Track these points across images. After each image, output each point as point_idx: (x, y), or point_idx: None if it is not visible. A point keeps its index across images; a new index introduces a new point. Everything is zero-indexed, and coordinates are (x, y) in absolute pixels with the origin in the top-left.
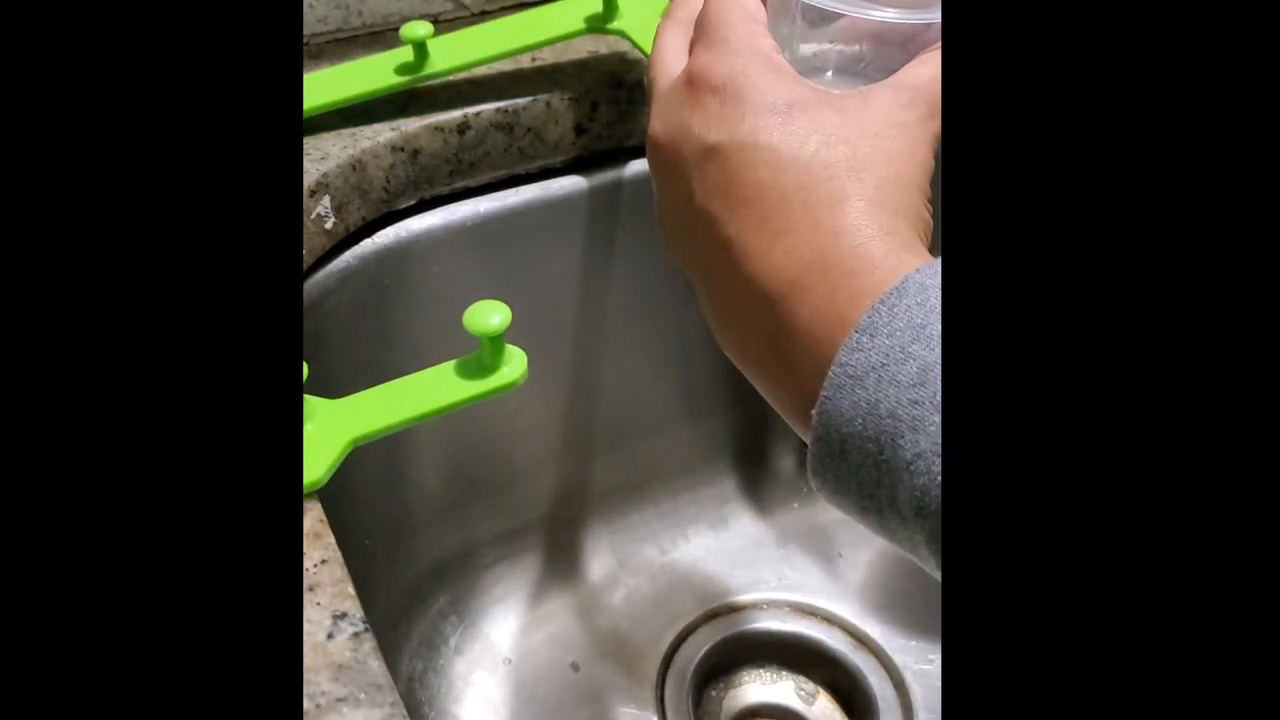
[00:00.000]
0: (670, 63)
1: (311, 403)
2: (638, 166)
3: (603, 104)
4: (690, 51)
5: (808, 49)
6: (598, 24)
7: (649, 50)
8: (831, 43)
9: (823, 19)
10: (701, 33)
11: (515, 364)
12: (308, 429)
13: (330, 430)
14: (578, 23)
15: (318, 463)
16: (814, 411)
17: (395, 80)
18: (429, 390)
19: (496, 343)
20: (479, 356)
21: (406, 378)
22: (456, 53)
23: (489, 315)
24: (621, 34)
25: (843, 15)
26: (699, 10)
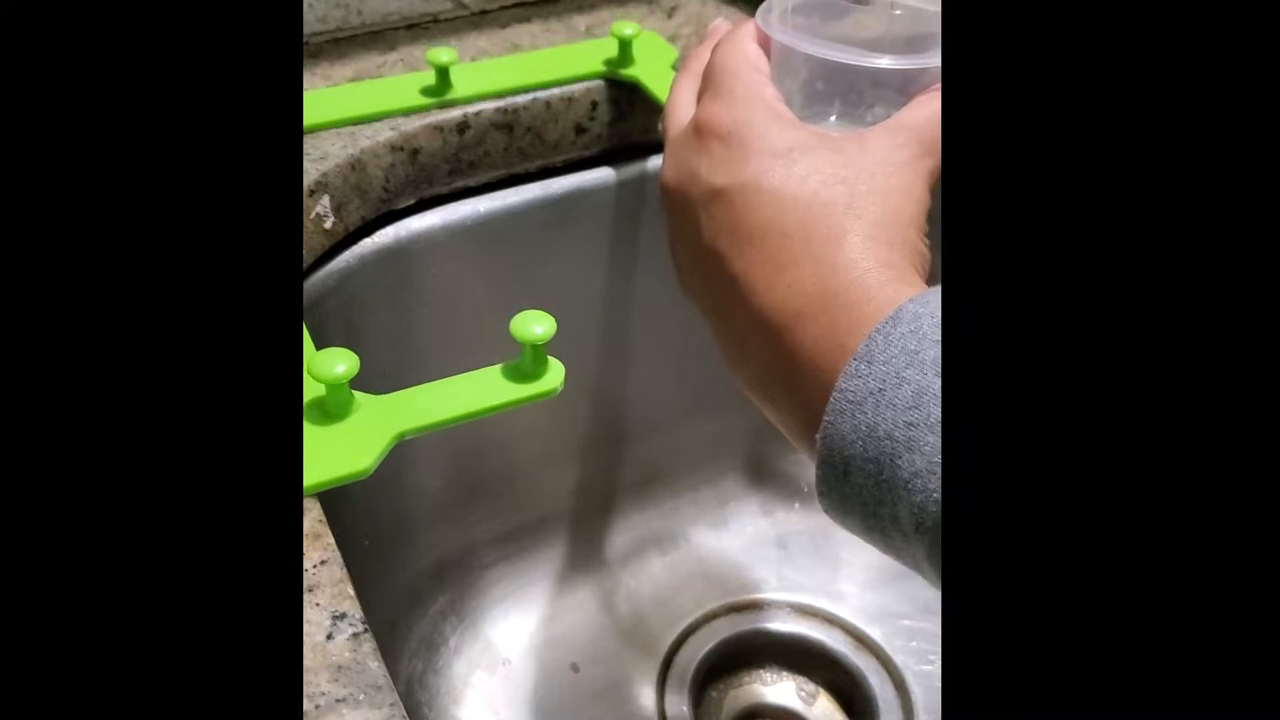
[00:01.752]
0: (681, 112)
1: (358, 397)
2: (637, 166)
3: (602, 104)
4: (698, 101)
5: (811, 96)
6: (614, 68)
7: (661, 98)
8: (833, 89)
9: (824, 67)
10: (708, 83)
11: (555, 372)
12: (353, 420)
13: (376, 424)
14: (596, 65)
15: (365, 453)
16: (818, 436)
17: (421, 101)
18: (473, 391)
19: (539, 351)
20: (520, 363)
21: (452, 378)
22: (479, 81)
23: (533, 324)
24: (635, 80)
25: (839, 62)
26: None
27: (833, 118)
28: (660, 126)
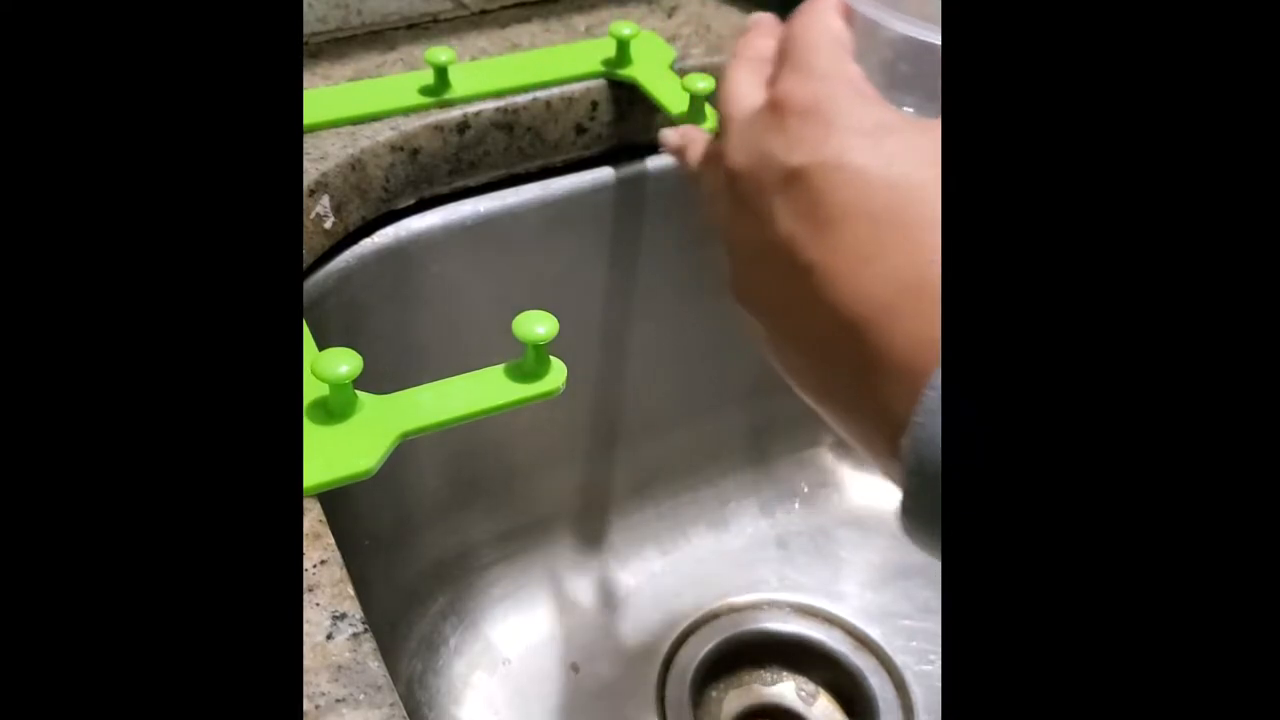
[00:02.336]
0: (744, 96)
1: (361, 397)
2: (637, 166)
3: (602, 104)
4: (773, 79)
5: (893, 78)
6: (612, 68)
7: (659, 98)
8: (919, 73)
9: (911, 48)
10: (785, 57)
11: (557, 372)
12: (356, 420)
13: (379, 423)
14: (595, 65)
15: (369, 454)
16: (904, 440)
17: (420, 101)
18: (475, 391)
19: (541, 351)
20: (522, 363)
21: (454, 378)
22: (478, 80)
23: (536, 324)
24: (633, 81)
25: (929, 44)
26: (768, 47)
27: (911, 107)
28: (716, 117)
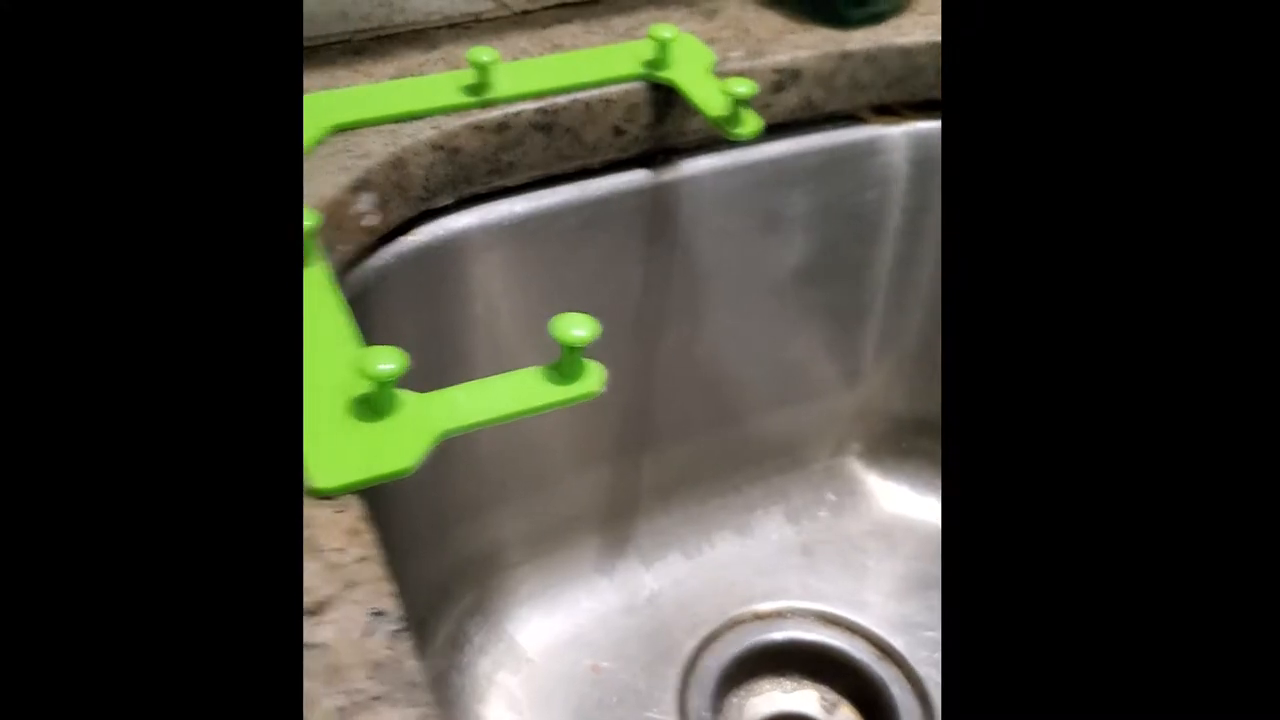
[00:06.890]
0: None
1: (401, 395)
2: (673, 169)
3: (641, 106)
4: None
5: None
6: (651, 70)
7: (698, 101)
8: None
9: None
10: None
11: (595, 375)
12: (397, 418)
13: (419, 422)
14: (636, 66)
15: (408, 451)
16: None
17: (462, 100)
18: (514, 392)
19: (576, 354)
20: (559, 365)
21: (492, 378)
22: (519, 80)
23: (573, 327)
24: (672, 83)
25: None
26: None
27: None
28: None
